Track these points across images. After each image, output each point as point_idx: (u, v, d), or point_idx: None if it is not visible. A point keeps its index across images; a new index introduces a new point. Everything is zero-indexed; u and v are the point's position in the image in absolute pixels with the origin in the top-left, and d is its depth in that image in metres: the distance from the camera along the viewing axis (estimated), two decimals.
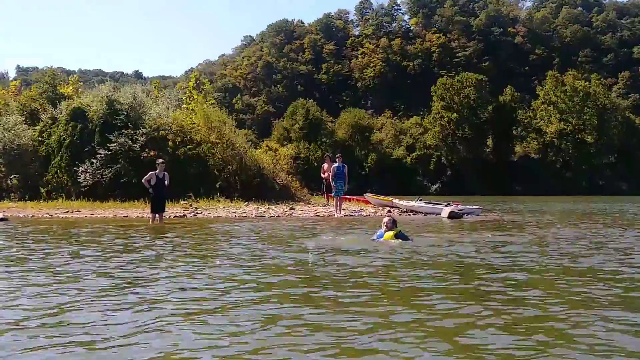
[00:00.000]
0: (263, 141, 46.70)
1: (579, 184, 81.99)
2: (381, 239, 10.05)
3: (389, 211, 12.30)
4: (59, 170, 25.74)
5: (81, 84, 33.19)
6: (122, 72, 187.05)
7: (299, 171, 41.01)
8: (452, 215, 18.93)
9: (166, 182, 16.06)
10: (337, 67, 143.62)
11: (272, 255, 8.23)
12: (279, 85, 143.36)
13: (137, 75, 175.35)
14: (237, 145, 26.30)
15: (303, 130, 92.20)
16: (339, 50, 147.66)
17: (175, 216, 18.88)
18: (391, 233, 10.02)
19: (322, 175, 23.25)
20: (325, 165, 22.83)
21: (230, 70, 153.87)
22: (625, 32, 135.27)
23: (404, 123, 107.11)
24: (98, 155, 24.36)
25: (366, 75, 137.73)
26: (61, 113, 27.36)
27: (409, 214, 21.29)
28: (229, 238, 11.28)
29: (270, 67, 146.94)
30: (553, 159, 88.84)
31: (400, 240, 9.85)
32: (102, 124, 25.55)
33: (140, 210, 20.52)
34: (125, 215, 19.60)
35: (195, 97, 30.34)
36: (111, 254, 8.46)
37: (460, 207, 20.98)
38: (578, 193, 72.78)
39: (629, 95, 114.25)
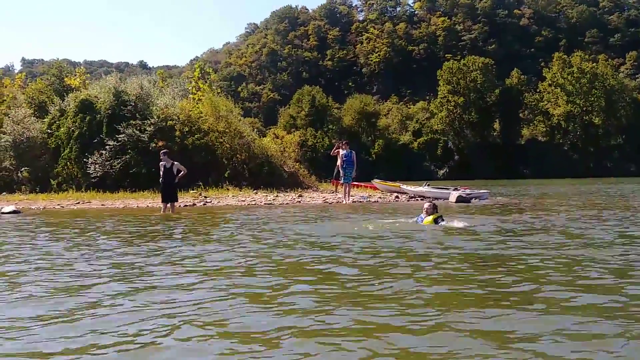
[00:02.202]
0: (269, 129, 46.86)
1: (586, 166, 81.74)
2: (421, 223, 10.46)
3: (431, 200, 12.45)
4: (68, 162, 25.94)
5: (88, 75, 33.28)
6: (127, 63, 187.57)
7: (306, 158, 41.11)
8: (460, 200, 18.99)
9: (181, 172, 16.16)
10: (342, 53, 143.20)
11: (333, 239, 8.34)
12: (284, 73, 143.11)
13: (142, 65, 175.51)
14: (245, 133, 26.43)
15: (309, 118, 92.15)
16: (343, 36, 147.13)
17: (185, 205, 19.03)
18: (430, 218, 10.38)
19: (334, 154, 23.15)
20: (340, 151, 22.76)
21: (234, 58, 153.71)
22: (632, 11, 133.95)
23: (410, 108, 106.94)
24: (107, 147, 24.54)
25: (371, 60, 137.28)
26: (69, 105, 27.53)
27: (417, 199, 21.35)
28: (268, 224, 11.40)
29: (274, 55, 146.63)
30: (560, 141, 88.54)
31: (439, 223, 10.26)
32: (109, 115, 25.71)
33: (150, 200, 20.70)
34: (136, 205, 19.78)
35: (201, 86, 30.41)
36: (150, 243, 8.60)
37: (468, 191, 21.03)
38: (586, 175, 72.52)
39: (637, 76, 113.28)
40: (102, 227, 11.58)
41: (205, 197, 21.51)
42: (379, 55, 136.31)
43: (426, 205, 10.97)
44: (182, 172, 16.28)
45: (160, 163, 16.12)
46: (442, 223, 10.26)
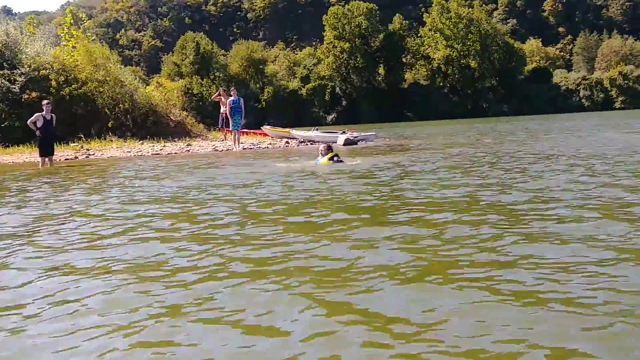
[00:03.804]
0: (153, 78, 45.03)
1: (465, 107, 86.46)
2: (318, 163, 10.82)
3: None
4: None
5: None
6: None
7: (193, 107, 40.13)
8: (347, 142, 19.58)
9: (54, 124, 15.30)
10: None
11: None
12: (165, 18, 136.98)
13: (6, 10, 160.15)
14: (126, 82, 25.29)
15: (194, 65, 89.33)
16: None
17: (66, 159, 18.13)
18: (326, 158, 10.76)
19: (217, 100, 22.96)
20: (222, 98, 22.53)
21: (111, 3, 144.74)
22: None
23: (297, 54, 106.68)
24: None
25: (256, 5, 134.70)
26: None
27: (307, 144, 21.72)
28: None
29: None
30: (441, 84, 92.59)
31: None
32: None
33: (27, 155, 19.48)
34: (11, 161, 18.55)
35: (74, 33, 28.45)
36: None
37: (355, 134, 21.68)
38: (464, 116, 76.79)
39: (508, 21, 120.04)
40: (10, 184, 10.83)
41: (88, 149, 20.56)
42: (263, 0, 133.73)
43: (321, 147, 11.39)
44: (54, 125, 15.43)
45: (39, 114, 15.12)
46: (337, 160, 10.76)
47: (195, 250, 4.15)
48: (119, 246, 4.42)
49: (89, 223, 5.60)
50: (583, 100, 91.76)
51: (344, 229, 4.62)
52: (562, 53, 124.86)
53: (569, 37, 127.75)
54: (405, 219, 4.93)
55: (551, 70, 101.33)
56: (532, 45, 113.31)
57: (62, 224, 5.65)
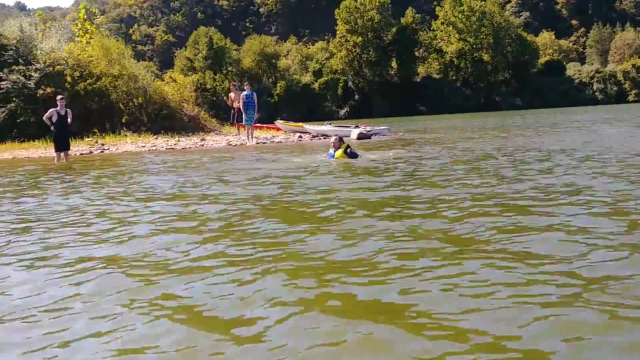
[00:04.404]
0: (165, 72, 45.14)
1: (477, 101, 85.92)
2: (333, 158, 10.66)
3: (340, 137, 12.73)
4: None
5: None
6: (3, 4, 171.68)
7: (207, 102, 40.25)
8: (360, 137, 19.55)
9: (69, 119, 15.40)
10: None
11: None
12: (177, 13, 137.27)
13: (20, 7, 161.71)
14: (140, 77, 25.42)
15: (207, 60, 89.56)
16: None
17: (81, 154, 18.29)
18: (340, 151, 10.66)
19: (229, 104, 22.92)
20: (232, 95, 22.56)
21: None
22: None
23: (309, 49, 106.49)
24: None
25: (268, 0, 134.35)
26: None
27: (320, 138, 21.72)
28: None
29: None
30: (453, 77, 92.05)
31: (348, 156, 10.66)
32: None
33: (42, 150, 19.68)
34: (27, 156, 18.74)
35: (88, 27, 28.62)
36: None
37: (368, 128, 21.65)
38: (477, 110, 76.36)
39: (521, 14, 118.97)
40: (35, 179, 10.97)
41: (102, 144, 20.72)
42: None
43: (332, 139, 11.24)
44: (71, 120, 15.53)
45: (54, 110, 15.23)
46: (351, 152, 10.71)
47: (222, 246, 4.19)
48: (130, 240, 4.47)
49: (106, 218, 5.67)
50: (596, 94, 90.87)
51: (361, 224, 4.64)
52: (575, 46, 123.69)
53: (582, 29, 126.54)
54: (418, 214, 4.94)
55: (564, 63, 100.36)
56: (545, 38, 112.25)
57: (95, 214, 5.72)
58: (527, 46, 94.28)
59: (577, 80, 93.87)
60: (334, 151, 10.84)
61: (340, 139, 11.16)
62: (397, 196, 6.01)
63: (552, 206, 4.93)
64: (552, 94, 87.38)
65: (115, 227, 5.03)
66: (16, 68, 23.29)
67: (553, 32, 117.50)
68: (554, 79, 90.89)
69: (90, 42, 26.43)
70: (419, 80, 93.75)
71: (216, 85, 79.50)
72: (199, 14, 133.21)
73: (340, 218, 4.88)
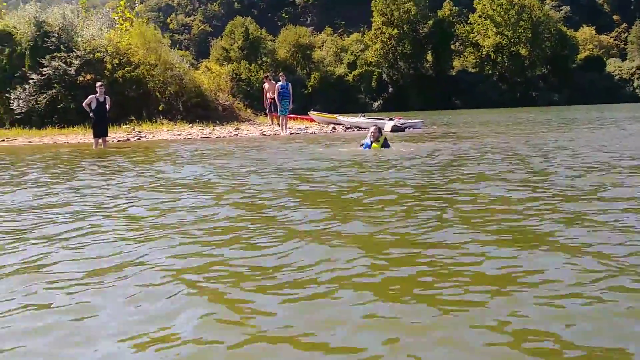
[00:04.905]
0: (201, 62, 45.56)
1: (514, 96, 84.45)
2: (369, 149, 10.71)
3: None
4: None
5: (4, 4, 30.96)
6: None
7: (241, 92, 40.49)
8: (394, 129, 19.45)
9: (107, 106, 15.69)
10: None
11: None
12: (214, 3, 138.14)
13: None
14: (176, 65, 25.71)
15: (243, 50, 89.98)
16: None
17: (119, 140, 18.63)
18: (378, 144, 10.73)
19: (265, 96, 22.98)
20: (266, 86, 22.67)
21: None
22: None
23: (344, 40, 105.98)
24: (30, 81, 23.31)
25: None
26: None
27: (354, 130, 21.69)
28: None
29: None
30: (490, 72, 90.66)
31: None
32: (31, 48, 24.30)
33: (81, 136, 20.11)
34: (66, 141, 19.17)
35: (128, 15, 29.02)
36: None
37: (402, 120, 21.53)
38: (513, 105, 75.07)
39: (561, 8, 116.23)
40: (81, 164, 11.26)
41: (139, 132, 21.06)
42: None
43: (372, 129, 11.21)
44: (109, 106, 15.80)
45: (93, 96, 15.52)
46: (385, 144, 10.73)
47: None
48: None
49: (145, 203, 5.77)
50: (637, 91, 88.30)
51: (402, 210, 4.63)
52: (616, 41, 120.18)
53: (624, 25, 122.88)
54: (452, 208, 4.90)
55: (605, 59, 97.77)
56: (585, 33, 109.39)
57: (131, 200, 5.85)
58: (566, 41, 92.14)
59: (617, 77, 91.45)
60: (371, 142, 10.79)
61: (380, 130, 11.16)
62: (437, 184, 5.98)
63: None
64: (592, 90, 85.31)
65: (155, 212, 5.14)
66: (58, 55, 23.77)
67: (594, 27, 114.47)
68: (593, 75, 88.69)
69: (129, 30, 26.81)
70: (454, 74, 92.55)
71: (251, 76, 79.86)
72: (235, 3, 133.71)
73: (396, 202, 4.89)
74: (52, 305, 2.81)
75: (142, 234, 4.27)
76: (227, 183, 7.16)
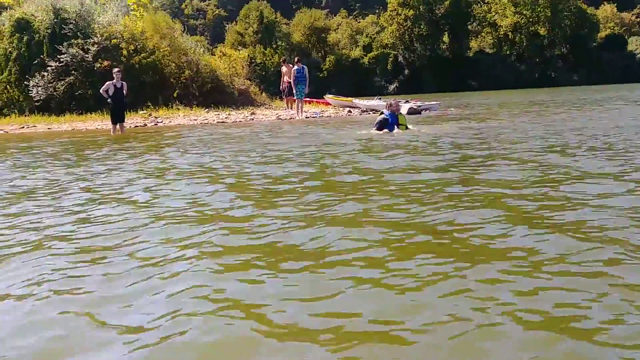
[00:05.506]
0: (216, 47, 45.52)
1: (532, 76, 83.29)
2: (388, 131, 10.78)
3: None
4: (8, 86, 24.84)
5: None
6: None
7: (257, 76, 40.42)
8: (411, 112, 19.30)
9: (125, 92, 15.78)
10: None
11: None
12: None
13: None
14: (190, 51, 25.77)
15: (258, 35, 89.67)
16: None
17: (136, 126, 18.78)
18: (402, 116, 11.11)
19: (282, 79, 22.94)
20: (284, 69, 22.64)
21: None
22: None
23: (359, 22, 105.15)
24: (49, 68, 23.54)
25: None
26: (4, 25, 26.00)
27: (370, 113, 21.59)
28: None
29: None
30: (507, 52, 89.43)
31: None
32: (50, 35, 24.49)
33: (99, 122, 20.29)
34: (84, 128, 19.37)
35: (143, 1, 29.09)
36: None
37: (419, 103, 21.37)
38: (532, 86, 74.13)
39: None
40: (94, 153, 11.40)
41: (156, 117, 21.21)
42: None
43: (390, 101, 11.41)
44: (127, 92, 15.89)
45: (110, 82, 15.63)
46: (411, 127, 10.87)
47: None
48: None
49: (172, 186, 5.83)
50: None
51: (426, 191, 4.63)
52: (638, 19, 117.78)
53: None
54: (470, 193, 4.89)
55: (626, 37, 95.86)
56: (606, 10, 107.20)
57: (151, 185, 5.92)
58: (586, 19, 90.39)
59: (639, 56, 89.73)
60: (394, 114, 10.92)
61: (398, 103, 11.41)
62: (457, 166, 5.97)
63: None
64: (612, 69, 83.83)
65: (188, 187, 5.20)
66: (75, 42, 23.93)
67: (615, 4, 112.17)
68: (614, 54, 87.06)
69: (143, 16, 26.90)
70: (471, 55, 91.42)
71: (266, 60, 79.63)
72: None
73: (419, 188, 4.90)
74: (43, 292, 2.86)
75: (150, 219, 4.33)
76: (252, 170, 7.21)
